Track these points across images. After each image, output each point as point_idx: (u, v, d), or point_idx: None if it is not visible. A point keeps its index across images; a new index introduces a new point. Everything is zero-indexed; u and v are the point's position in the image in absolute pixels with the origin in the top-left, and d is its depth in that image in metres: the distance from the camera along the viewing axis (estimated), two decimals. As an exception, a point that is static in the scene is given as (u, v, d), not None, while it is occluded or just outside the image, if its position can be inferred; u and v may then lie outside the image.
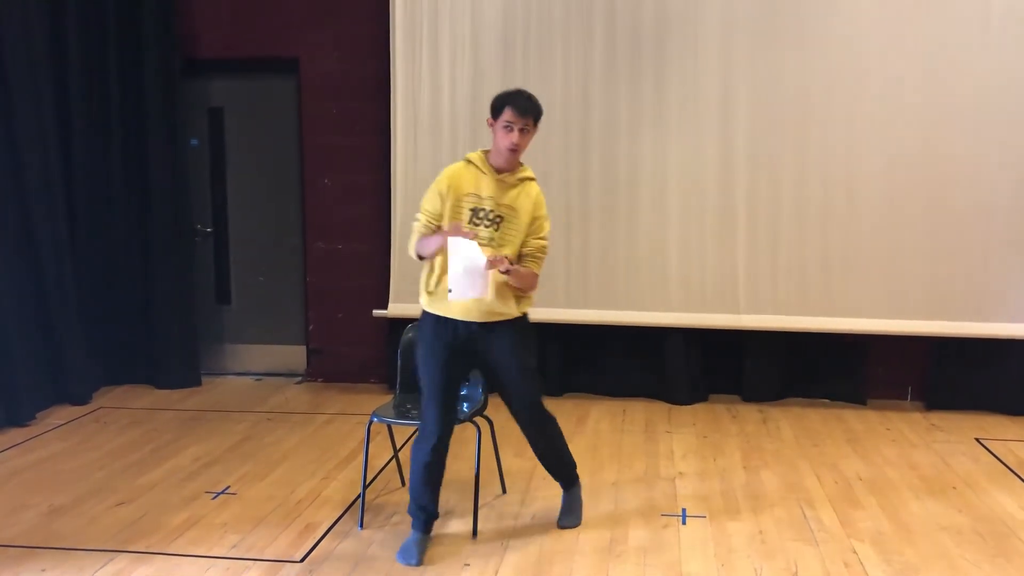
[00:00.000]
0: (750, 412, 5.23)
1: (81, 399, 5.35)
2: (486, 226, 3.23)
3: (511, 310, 3.29)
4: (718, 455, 4.44)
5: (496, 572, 3.15)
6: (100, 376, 5.66)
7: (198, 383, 5.83)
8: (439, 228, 3.23)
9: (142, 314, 5.73)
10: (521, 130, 3.24)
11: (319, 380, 5.91)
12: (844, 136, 5.06)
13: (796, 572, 3.14)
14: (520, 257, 3.28)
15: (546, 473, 4.12)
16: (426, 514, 3.31)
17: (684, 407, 5.35)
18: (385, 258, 5.52)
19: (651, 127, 5.19)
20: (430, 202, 3.28)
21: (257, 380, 6.01)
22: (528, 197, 3.30)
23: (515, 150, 3.25)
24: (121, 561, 3.24)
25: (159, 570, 3.18)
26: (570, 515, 3.57)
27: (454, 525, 3.56)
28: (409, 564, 3.21)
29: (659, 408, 5.33)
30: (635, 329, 5.37)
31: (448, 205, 3.24)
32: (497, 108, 3.28)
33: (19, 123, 4.96)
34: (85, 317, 5.47)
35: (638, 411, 5.26)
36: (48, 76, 5.19)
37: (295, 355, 6.03)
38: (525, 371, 3.36)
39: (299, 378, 5.99)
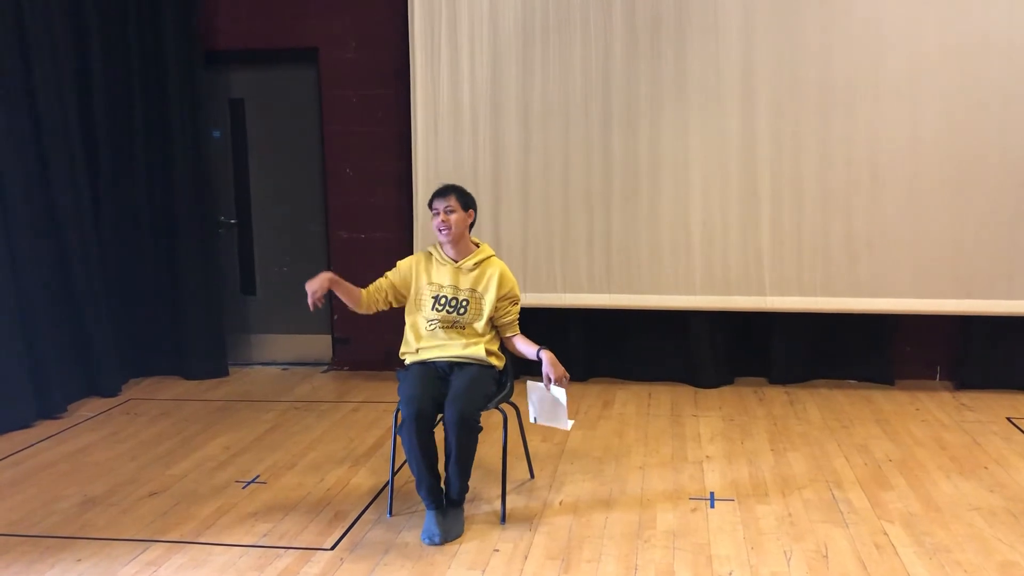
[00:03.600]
0: (777, 394, 5.20)
1: (111, 391, 5.42)
2: (448, 312, 3.51)
3: (484, 360, 3.54)
4: (745, 438, 4.42)
5: (525, 557, 3.16)
6: (129, 368, 5.72)
7: (225, 373, 5.88)
8: (377, 290, 3.64)
9: (169, 306, 5.78)
10: (446, 210, 3.46)
11: (345, 369, 5.94)
12: (868, 114, 4.99)
13: (826, 554, 3.13)
14: (496, 327, 3.60)
15: (574, 458, 4.15)
16: (427, 489, 3.32)
17: (710, 390, 5.33)
18: (408, 246, 5.52)
19: (672, 109, 5.15)
20: (395, 272, 3.66)
21: (284, 370, 6.06)
22: (492, 276, 3.53)
23: (444, 230, 3.48)
24: (155, 551, 3.28)
25: (192, 559, 3.21)
26: (452, 531, 3.33)
27: (482, 510, 3.57)
28: (434, 543, 3.25)
29: (685, 392, 5.32)
30: (659, 313, 5.35)
31: (412, 288, 3.58)
32: (429, 206, 3.56)
33: (43, 118, 5.01)
34: (113, 310, 5.53)
35: (664, 395, 5.25)
36: (70, 70, 5.23)
37: (321, 344, 6.07)
38: (474, 383, 3.38)
39: (325, 367, 6.03)
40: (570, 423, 3.47)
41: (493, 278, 3.53)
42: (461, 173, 5.35)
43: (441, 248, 3.59)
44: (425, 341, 3.55)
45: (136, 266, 5.70)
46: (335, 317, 5.93)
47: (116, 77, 5.53)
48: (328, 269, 5.82)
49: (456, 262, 3.54)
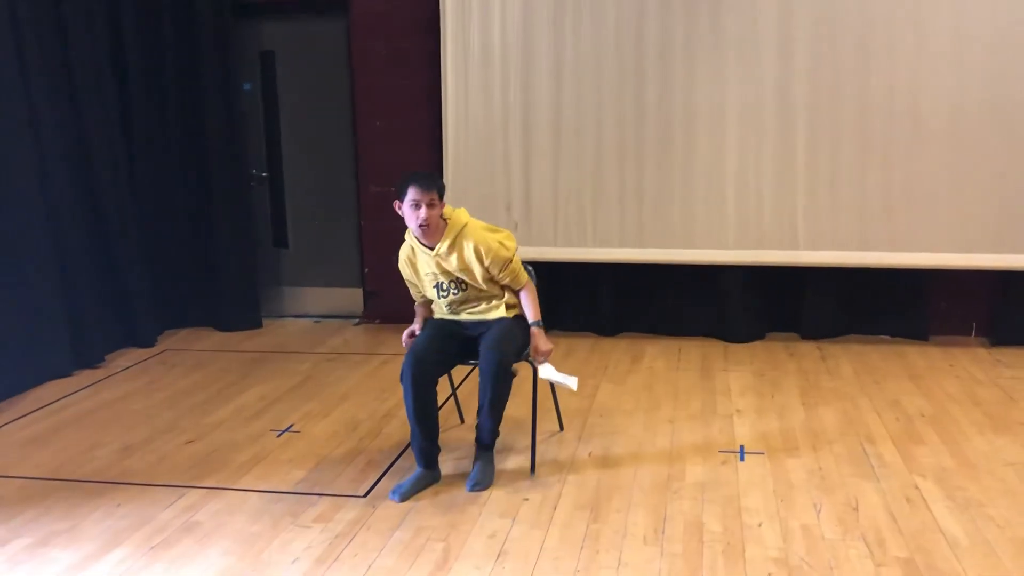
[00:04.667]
0: (808, 349, 5.17)
1: (147, 342, 5.51)
2: (454, 293, 3.48)
3: (503, 314, 3.53)
4: (776, 392, 4.41)
5: (554, 507, 3.20)
6: (164, 319, 5.81)
7: (259, 325, 5.96)
8: (424, 300, 3.63)
9: (203, 259, 5.85)
10: (428, 205, 3.31)
11: (376, 322, 5.99)
12: (909, 63, 4.87)
13: (857, 507, 3.13)
14: (503, 288, 3.53)
15: (603, 411, 4.16)
16: (418, 447, 3.37)
17: (741, 345, 5.31)
18: (438, 199, 5.51)
19: (707, 60, 5.06)
20: (406, 277, 3.62)
21: (316, 322, 6.12)
22: (468, 249, 3.39)
23: (425, 226, 3.33)
24: (192, 496, 3.36)
25: (228, 504, 3.28)
26: (483, 478, 3.37)
27: (512, 462, 3.60)
28: (392, 499, 3.28)
29: (715, 346, 5.30)
30: (690, 267, 5.32)
31: (417, 281, 3.56)
32: (401, 191, 3.37)
33: (76, 74, 5.04)
34: (148, 263, 5.61)
35: (694, 350, 5.23)
36: (103, 23, 5.25)
37: (352, 297, 6.12)
38: (508, 333, 3.41)
39: (356, 320, 6.08)
40: (574, 380, 3.49)
41: (470, 253, 3.38)
42: (491, 125, 5.32)
43: (415, 237, 3.46)
44: (449, 314, 3.56)
45: (170, 219, 5.76)
46: (366, 271, 5.96)
47: (147, 30, 5.53)
48: (359, 223, 5.89)
49: (432, 249, 3.41)
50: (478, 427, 3.42)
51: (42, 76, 4.80)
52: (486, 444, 3.44)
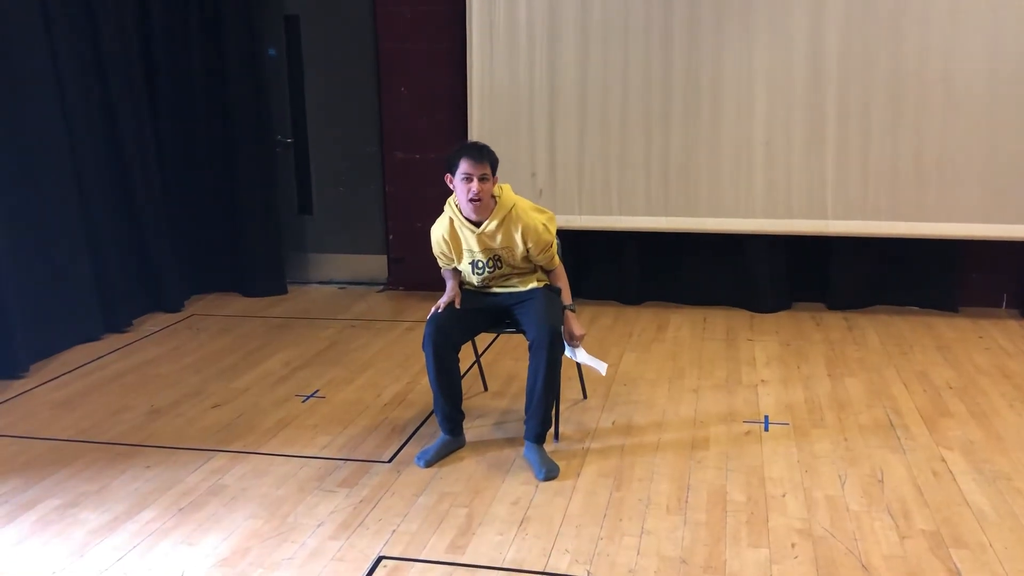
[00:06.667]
0: (835, 320, 5.12)
1: (174, 307, 5.56)
2: (489, 271, 3.43)
3: (535, 285, 3.49)
4: (802, 363, 4.38)
5: (578, 474, 3.20)
6: (191, 285, 5.86)
7: (284, 291, 5.99)
8: (453, 268, 3.53)
9: (229, 225, 5.87)
10: (480, 178, 3.24)
11: (400, 288, 6.00)
12: (942, 29, 4.75)
13: (882, 479, 3.11)
14: (536, 267, 3.52)
15: (627, 380, 4.15)
16: (442, 416, 3.37)
17: (767, 315, 5.27)
18: (463, 166, 5.48)
19: (736, 25, 4.97)
20: (439, 251, 3.51)
21: (340, 288, 6.14)
22: (516, 230, 3.34)
23: (478, 199, 3.26)
24: (219, 460, 3.40)
25: (255, 468, 3.32)
26: (546, 467, 3.22)
27: (536, 429, 3.61)
28: (417, 464, 3.30)
29: (741, 316, 5.27)
30: (716, 236, 5.27)
31: (453, 254, 3.46)
32: (453, 164, 3.32)
33: (101, 40, 5.02)
34: (174, 228, 5.64)
35: (719, 319, 5.20)
36: (128, -12, 5.25)
37: (377, 264, 6.12)
38: (549, 303, 3.37)
39: (381, 286, 6.09)
40: (604, 366, 3.48)
41: (517, 235, 3.34)
42: (517, 91, 5.27)
43: (459, 209, 3.38)
44: (480, 287, 3.54)
45: (196, 186, 5.78)
46: (390, 237, 5.96)
47: (173, -6, 5.53)
48: (384, 190, 5.88)
49: (478, 226, 3.34)
50: (529, 418, 3.29)
51: (69, 47, 4.79)
52: (540, 437, 3.30)
